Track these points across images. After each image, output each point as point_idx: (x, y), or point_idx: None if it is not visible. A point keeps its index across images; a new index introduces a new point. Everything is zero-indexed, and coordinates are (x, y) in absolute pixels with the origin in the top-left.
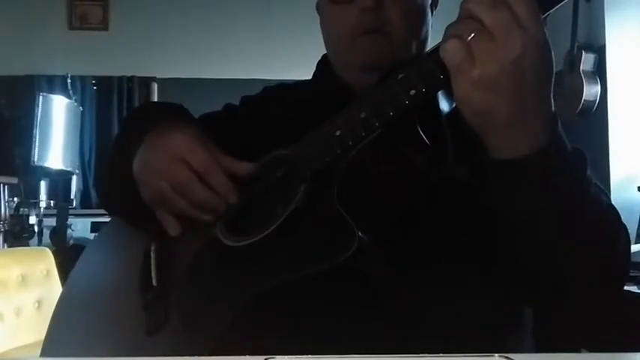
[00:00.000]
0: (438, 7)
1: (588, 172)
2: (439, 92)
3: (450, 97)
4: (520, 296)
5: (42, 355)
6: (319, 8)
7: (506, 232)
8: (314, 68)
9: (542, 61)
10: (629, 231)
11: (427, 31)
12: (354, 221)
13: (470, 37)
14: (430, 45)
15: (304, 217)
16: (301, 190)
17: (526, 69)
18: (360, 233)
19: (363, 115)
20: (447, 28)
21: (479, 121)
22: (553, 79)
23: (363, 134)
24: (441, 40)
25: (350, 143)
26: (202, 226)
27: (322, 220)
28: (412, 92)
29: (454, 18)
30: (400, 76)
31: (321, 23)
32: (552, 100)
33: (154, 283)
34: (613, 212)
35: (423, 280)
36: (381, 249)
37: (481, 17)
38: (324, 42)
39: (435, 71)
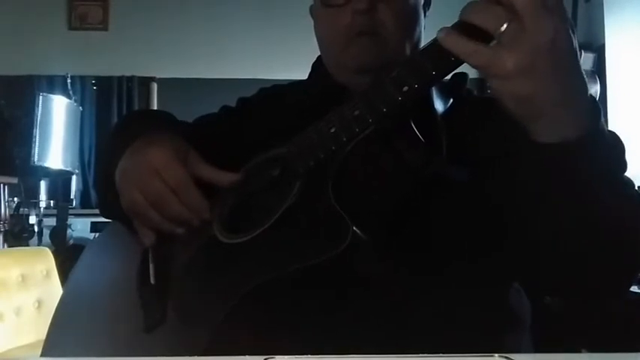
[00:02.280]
0: (430, 8)
1: (625, 156)
2: (434, 90)
3: (444, 94)
4: (533, 286)
5: (43, 355)
6: (313, 12)
7: (533, 217)
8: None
9: (572, 40)
10: None
11: (420, 32)
12: (348, 216)
13: (502, 29)
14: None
15: (299, 213)
16: (296, 187)
17: (560, 49)
18: (354, 227)
19: (356, 112)
20: (462, 14)
21: (520, 109)
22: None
23: (357, 130)
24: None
25: (344, 139)
26: (199, 224)
27: (317, 215)
28: (405, 89)
29: (446, 18)
30: (393, 73)
31: (314, 27)
32: (586, 82)
33: (152, 281)
34: None
35: (420, 277)
36: (376, 245)
37: (512, 2)
38: (319, 45)
39: (426, 67)
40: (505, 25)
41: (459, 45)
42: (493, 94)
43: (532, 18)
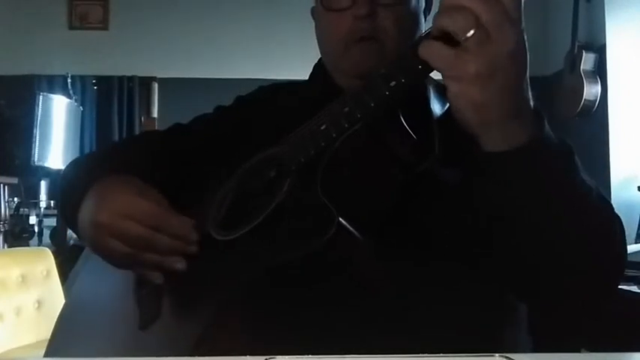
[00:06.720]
0: (431, 12)
1: (576, 160)
2: (431, 90)
3: (440, 94)
4: (517, 291)
5: (46, 355)
6: (314, 14)
7: (499, 225)
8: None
9: (526, 53)
10: (629, 231)
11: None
12: (335, 208)
13: (469, 35)
14: None
15: (290, 208)
16: (287, 183)
17: (519, 61)
18: (340, 218)
19: (346, 108)
20: (435, 20)
21: (474, 116)
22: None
23: (346, 126)
24: None
25: (334, 135)
26: (194, 224)
27: (306, 208)
28: (392, 83)
29: None
30: (382, 70)
31: (316, 29)
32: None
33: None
34: (604, 201)
35: (418, 276)
36: (372, 243)
37: (476, 12)
38: (319, 47)
39: (413, 63)
40: (472, 32)
41: (423, 48)
42: (449, 99)
43: (498, 29)
